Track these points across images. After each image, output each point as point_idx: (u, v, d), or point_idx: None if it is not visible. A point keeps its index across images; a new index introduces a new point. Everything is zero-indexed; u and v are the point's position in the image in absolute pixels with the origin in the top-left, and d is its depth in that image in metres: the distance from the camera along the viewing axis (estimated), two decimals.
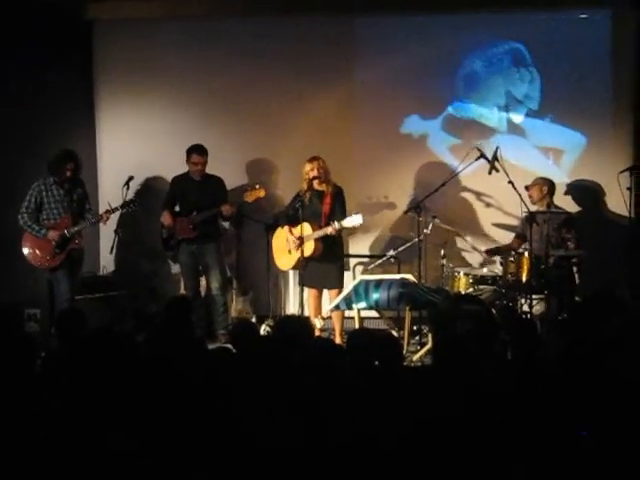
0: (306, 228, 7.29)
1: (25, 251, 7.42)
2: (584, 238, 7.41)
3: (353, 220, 7.11)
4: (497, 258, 7.67)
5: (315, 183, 7.39)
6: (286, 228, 7.53)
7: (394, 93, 8.27)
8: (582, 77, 7.96)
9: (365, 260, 8.33)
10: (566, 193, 7.79)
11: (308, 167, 7.40)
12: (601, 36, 8.01)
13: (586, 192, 8.01)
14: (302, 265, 7.29)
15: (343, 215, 7.32)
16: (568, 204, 7.53)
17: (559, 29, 8.04)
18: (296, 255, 7.37)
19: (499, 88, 8.23)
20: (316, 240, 7.27)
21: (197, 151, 7.81)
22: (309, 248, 7.29)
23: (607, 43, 8.00)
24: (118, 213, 7.56)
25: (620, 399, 3.67)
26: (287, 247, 7.55)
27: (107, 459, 3.44)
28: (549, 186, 7.51)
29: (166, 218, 7.88)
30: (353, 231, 7.70)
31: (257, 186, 7.79)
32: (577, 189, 8.00)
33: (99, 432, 3.56)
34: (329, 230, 7.20)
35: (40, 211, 7.41)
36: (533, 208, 7.31)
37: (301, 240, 7.22)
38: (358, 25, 8.40)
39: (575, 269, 7.57)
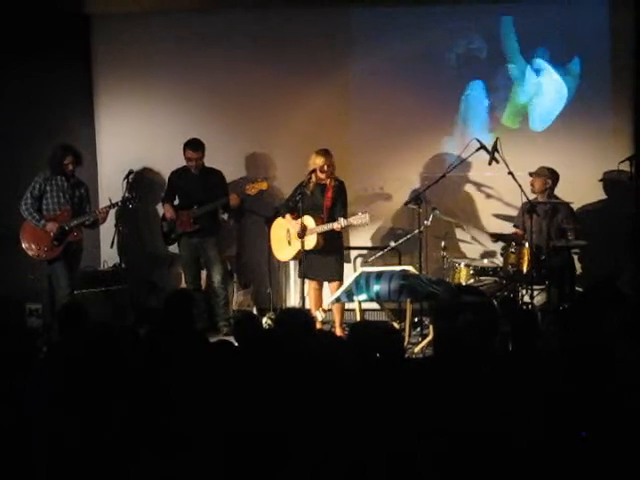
0: (309, 221, 7.29)
1: (23, 242, 7.43)
2: (585, 228, 7.40)
3: (360, 219, 7.11)
4: (497, 249, 7.67)
5: (322, 176, 7.36)
6: (288, 217, 7.50)
7: (391, 84, 8.24)
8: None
9: (366, 252, 8.33)
10: (566, 183, 7.74)
11: (319, 160, 7.31)
12: (600, 20, 7.95)
13: (587, 182, 7.98)
14: (302, 257, 7.30)
15: (343, 209, 7.33)
16: (569, 194, 7.50)
17: (557, 13, 7.98)
18: (296, 246, 7.36)
19: (498, 77, 8.21)
20: (319, 234, 7.27)
21: (190, 147, 7.80)
22: (311, 242, 7.28)
23: (606, 27, 7.95)
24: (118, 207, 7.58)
25: (620, 390, 3.67)
26: (287, 238, 7.54)
27: (107, 450, 3.46)
28: (553, 179, 7.45)
29: (168, 211, 7.89)
30: None
31: (260, 179, 7.79)
32: (578, 178, 7.97)
33: (101, 424, 3.57)
34: (335, 226, 7.19)
35: (41, 200, 7.42)
36: (533, 197, 7.31)
37: (304, 230, 7.22)
38: (354, 16, 8.35)
39: (576, 259, 7.57)
